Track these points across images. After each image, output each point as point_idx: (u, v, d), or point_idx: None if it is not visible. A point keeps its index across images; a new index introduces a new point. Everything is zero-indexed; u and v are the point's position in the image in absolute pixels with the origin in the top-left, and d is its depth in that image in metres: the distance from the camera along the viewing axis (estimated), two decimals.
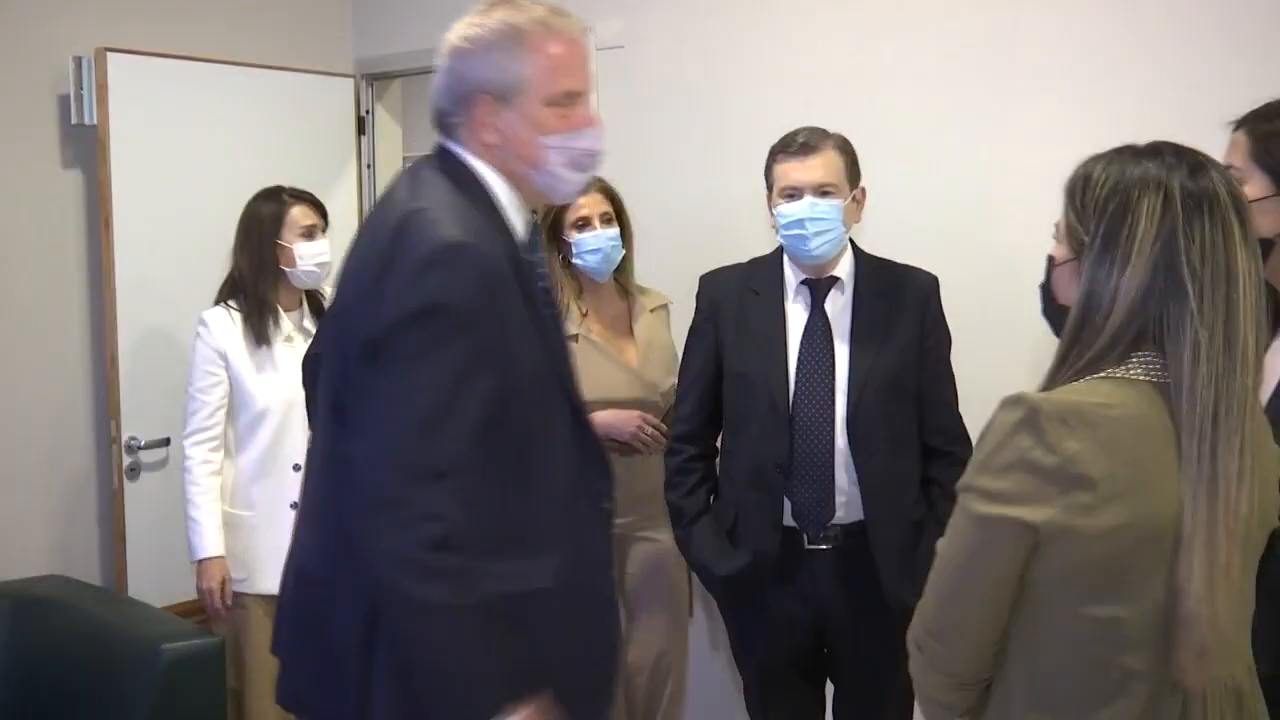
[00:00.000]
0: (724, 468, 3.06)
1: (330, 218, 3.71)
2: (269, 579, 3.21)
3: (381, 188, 4.90)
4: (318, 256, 3.55)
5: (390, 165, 5.01)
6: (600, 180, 3.40)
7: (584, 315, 3.44)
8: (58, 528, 3.96)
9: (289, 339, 3.56)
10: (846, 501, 2.88)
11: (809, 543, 2.91)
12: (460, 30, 2.08)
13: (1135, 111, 3.11)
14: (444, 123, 2.11)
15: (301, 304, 3.65)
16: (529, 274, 2.05)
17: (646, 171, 3.96)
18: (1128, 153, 1.68)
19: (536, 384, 2.02)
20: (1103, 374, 1.63)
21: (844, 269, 2.96)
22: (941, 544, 1.70)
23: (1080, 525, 1.56)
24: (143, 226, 3.96)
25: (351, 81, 4.83)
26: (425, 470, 1.85)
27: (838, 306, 2.94)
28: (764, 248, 3.16)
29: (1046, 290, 1.82)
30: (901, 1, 3.61)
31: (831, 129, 2.97)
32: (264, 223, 3.53)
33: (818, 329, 2.93)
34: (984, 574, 1.64)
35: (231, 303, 3.53)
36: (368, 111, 4.89)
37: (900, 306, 2.92)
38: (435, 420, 1.87)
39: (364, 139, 4.87)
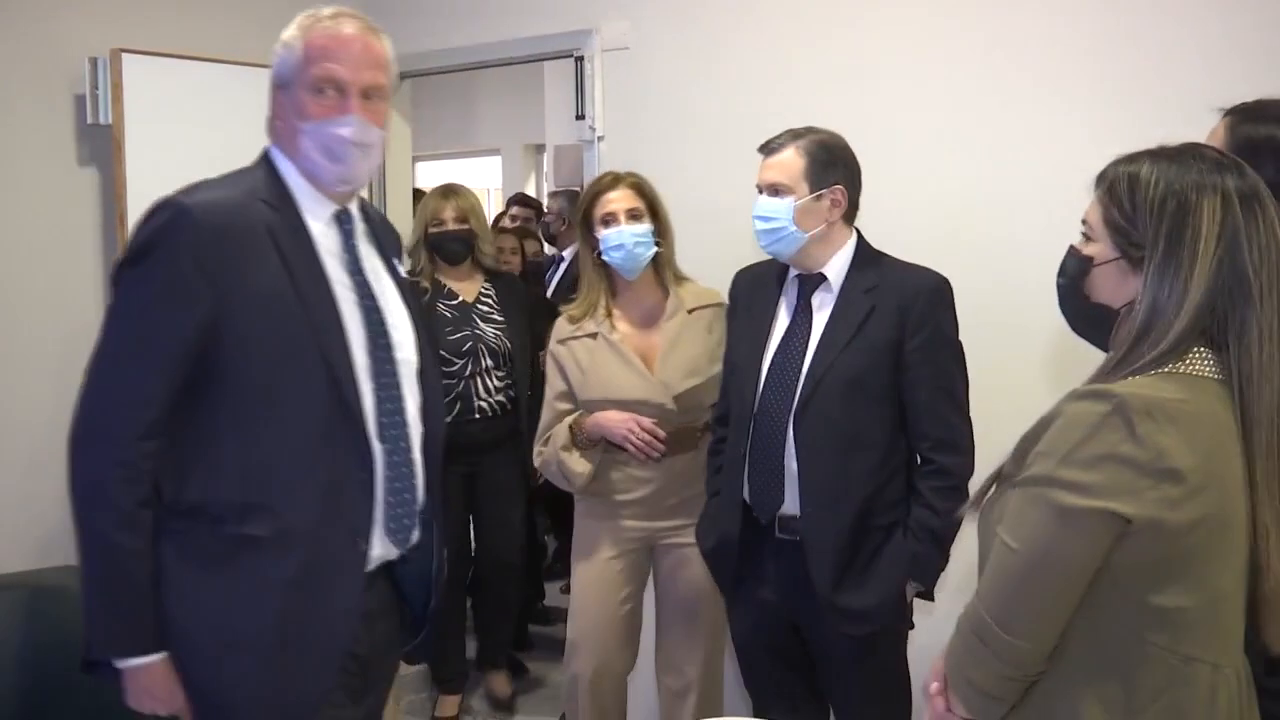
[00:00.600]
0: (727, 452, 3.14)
1: None
2: None
3: (392, 185, 5.00)
4: None
5: (400, 162, 5.09)
6: (632, 175, 3.48)
7: (609, 314, 3.45)
8: (70, 519, 3.99)
9: None
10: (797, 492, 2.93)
11: (778, 531, 2.96)
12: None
13: (1136, 110, 3.15)
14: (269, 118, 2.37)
15: None
16: (301, 245, 2.24)
17: (651, 170, 3.99)
18: (1167, 154, 1.71)
19: (280, 347, 2.18)
20: (1165, 370, 1.66)
21: (834, 267, 2.97)
22: (1010, 536, 1.69)
23: (1168, 518, 1.60)
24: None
25: None
26: (114, 402, 2.10)
27: (822, 303, 2.98)
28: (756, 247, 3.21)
29: (1074, 288, 1.82)
30: (907, 1, 3.65)
31: (835, 128, 3.01)
32: None
33: (798, 324, 2.98)
34: (1064, 567, 1.65)
35: None
36: None
37: (884, 307, 2.89)
38: (121, 355, 2.12)
39: None
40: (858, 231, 3.03)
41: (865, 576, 2.87)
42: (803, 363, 2.92)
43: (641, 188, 3.46)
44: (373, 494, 2.27)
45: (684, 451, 3.37)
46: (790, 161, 2.93)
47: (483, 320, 4.49)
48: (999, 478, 1.79)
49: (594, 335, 3.40)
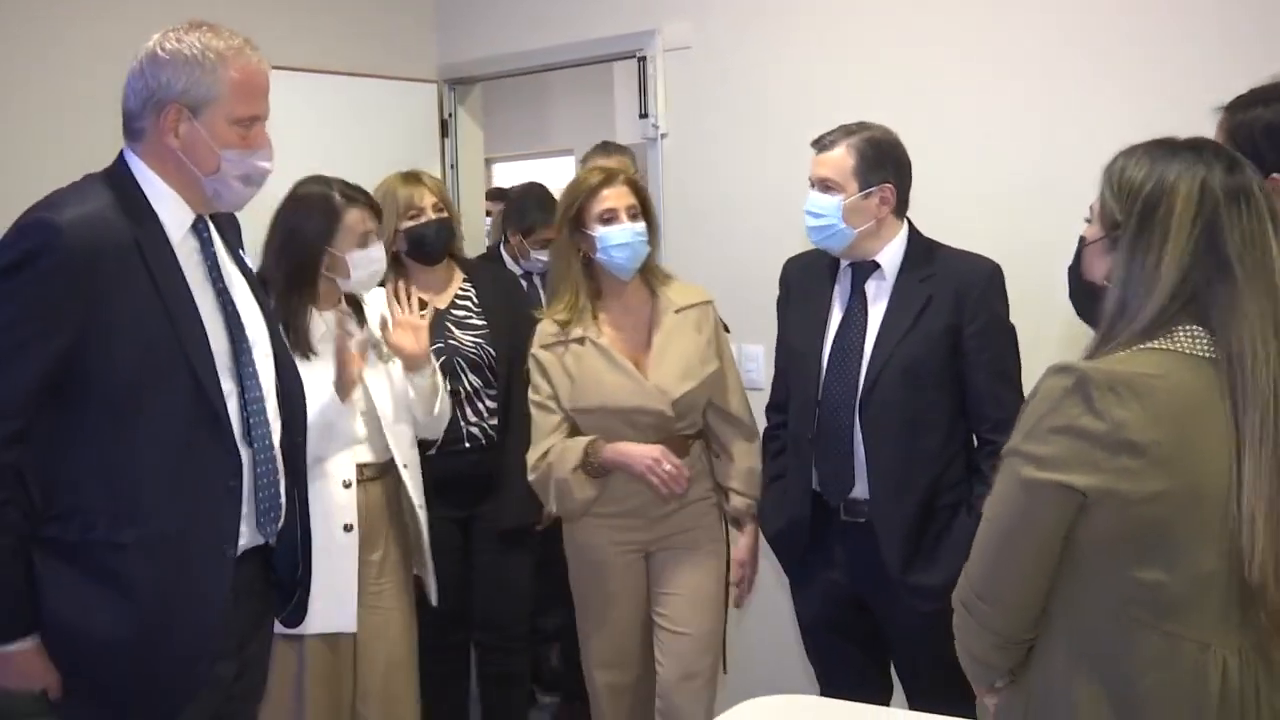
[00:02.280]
0: (784, 437, 3.22)
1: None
2: (321, 615, 2.91)
3: (465, 188, 5.14)
4: (373, 264, 3.19)
5: (473, 165, 5.24)
6: (625, 171, 3.35)
7: (596, 318, 3.25)
8: None
9: (323, 338, 3.14)
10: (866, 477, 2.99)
11: (844, 514, 3.02)
12: (159, 40, 2.33)
13: (1184, 100, 3.18)
14: (130, 126, 2.34)
15: (339, 302, 3.24)
16: (165, 258, 2.27)
17: (712, 168, 4.09)
18: (1167, 143, 1.78)
19: (147, 360, 2.22)
20: (1149, 345, 1.72)
21: (888, 255, 3.01)
22: (987, 508, 1.80)
23: (1125, 489, 1.66)
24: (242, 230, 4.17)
25: (435, 87, 5.04)
26: None
27: (879, 292, 3.03)
28: None
29: (1075, 270, 1.93)
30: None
31: (891, 122, 3.06)
32: (310, 229, 3.14)
33: (854, 312, 3.03)
34: (1030, 537, 1.73)
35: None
36: (450, 115, 5.10)
37: (940, 294, 2.95)
38: None
39: (447, 141, 5.09)
40: (909, 221, 3.07)
41: (934, 555, 2.92)
42: (862, 351, 2.98)
43: (636, 185, 3.29)
44: (240, 501, 2.33)
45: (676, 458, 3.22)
46: (840, 159, 2.96)
47: (458, 327, 3.68)
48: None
49: (581, 340, 3.20)
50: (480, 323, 3.69)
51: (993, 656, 1.84)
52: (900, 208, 3.03)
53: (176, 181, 2.32)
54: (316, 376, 2.97)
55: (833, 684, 3.17)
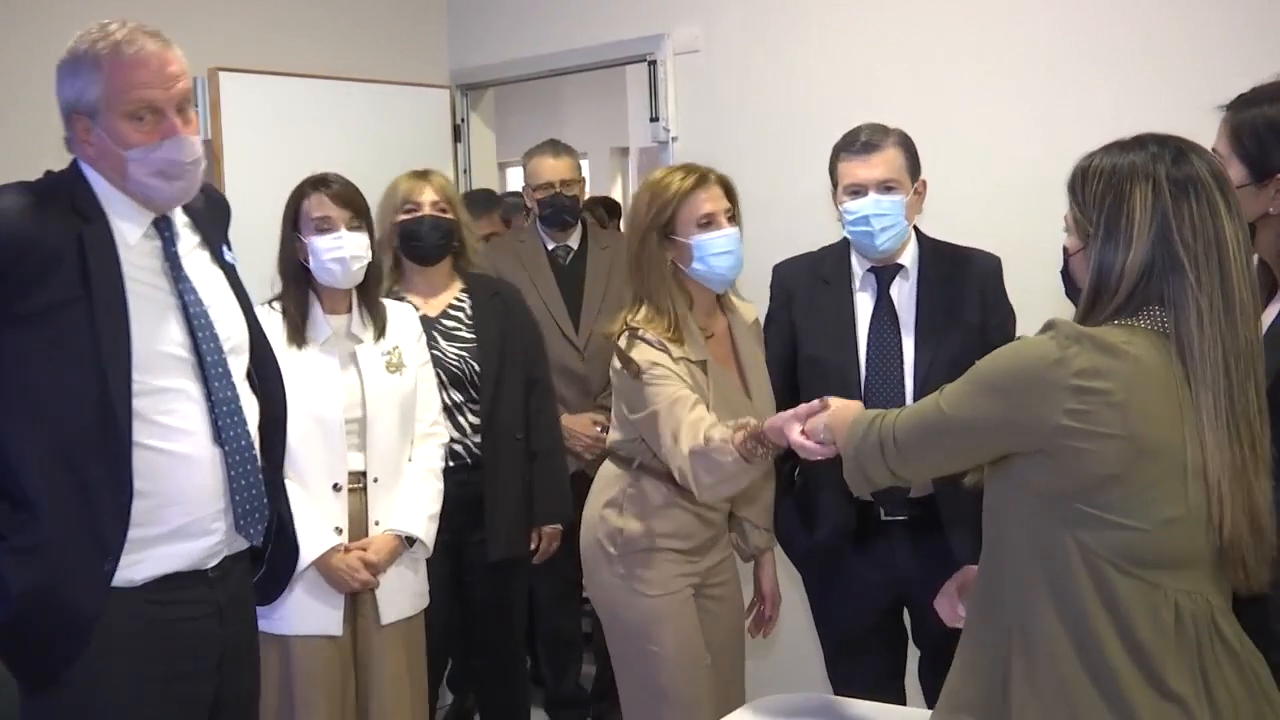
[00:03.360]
0: None
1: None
2: (307, 616, 3.00)
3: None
4: (333, 252, 3.06)
5: (485, 169, 5.28)
6: (718, 173, 3.00)
7: (709, 337, 2.97)
8: None
9: (327, 343, 3.08)
10: None
11: (885, 514, 3.03)
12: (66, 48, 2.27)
13: (1186, 98, 3.19)
14: (67, 135, 2.31)
15: (351, 308, 3.15)
16: (106, 258, 2.20)
17: (724, 171, 4.09)
18: (1116, 147, 1.90)
19: (55, 361, 2.17)
20: (1117, 323, 1.85)
21: (908, 257, 3.06)
22: (945, 399, 1.94)
23: (1081, 427, 1.77)
24: (256, 236, 4.19)
25: (447, 92, 5.09)
26: None
27: (903, 293, 3.05)
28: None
29: (1066, 276, 2.03)
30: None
31: (900, 123, 3.08)
32: (285, 218, 3.17)
33: (884, 315, 3.05)
34: (975, 443, 1.92)
35: (274, 302, 3.13)
36: (463, 119, 5.15)
37: (963, 290, 3.01)
38: None
39: (459, 146, 5.14)
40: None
41: None
42: (901, 354, 3.01)
43: (729, 186, 3.00)
44: (127, 517, 2.20)
45: None
46: (895, 158, 2.98)
47: (444, 338, 3.51)
48: None
49: (704, 364, 2.87)
50: (469, 336, 3.53)
51: (882, 481, 2.07)
52: None
53: (119, 185, 2.28)
54: (310, 369, 3.02)
55: (849, 686, 3.13)
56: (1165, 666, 1.79)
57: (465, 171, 5.14)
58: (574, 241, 4.28)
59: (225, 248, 2.51)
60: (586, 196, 4.61)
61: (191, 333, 2.31)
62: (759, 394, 3.00)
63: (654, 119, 4.46)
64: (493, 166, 5.43)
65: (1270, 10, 3.19)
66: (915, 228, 3.11)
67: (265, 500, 2.41)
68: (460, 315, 3.56)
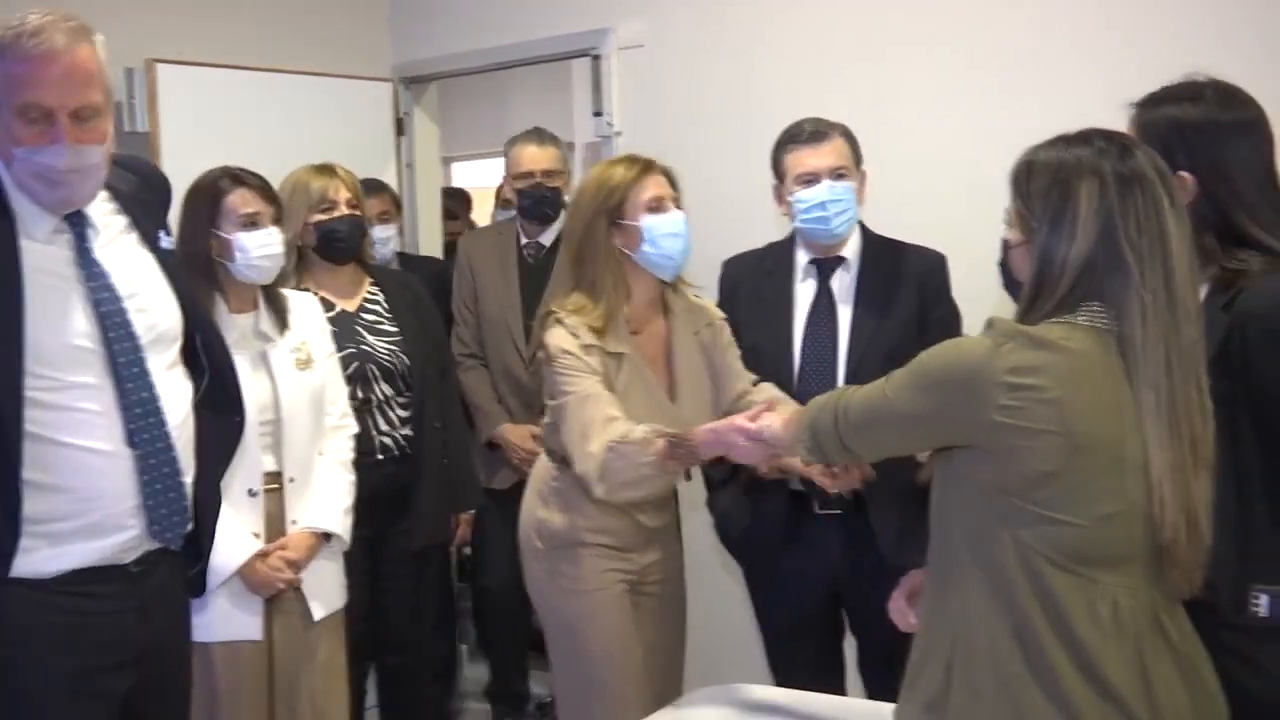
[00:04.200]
0: None
1: None
2: (227, 623, 2.91)
3: (422, 187, 5.14)
4: (263, 248, 2.96)
5: (429, 163, 5.24)
6: (661, 164, 2.99)
7: (635, 333, 2.91)
8: None
9: (235, 345, 2.81)
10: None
11: (819, 508, 3.05)
12: None
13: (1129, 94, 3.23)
14: None
15: (257, 305, 3.04)
16: (5, 254, 2.16)
17: (668, 164, 4.09)
18: (1061, 142, 1.90)
19: None
20: (1056, 320, 1.85)
21: (850, 249, 3.11)
22: (890, 387, 1.96)
23: (1016, 424, 1.78)
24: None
25: (390, 85, 5.04)
26: None
27: (844, 284, 3.10)
28: (784, 235, 3.30)
29: (1006, 269, 2.04)
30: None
31: (844, 119, 3.13)
32: (196, 213, 2.99)
33: (823, 305, 3.09)
34: (917, 433, 1.97)
35: None
36: (406, 113, 5.11)
37: (902, 283, 3.06)
38: None
39: (403, 140, 5.10)
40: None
41: (920, 534, 2.97)
42: (836, 345, 3.05)
43: (670, 175, 2.98)
44: (17, 512, 2.16)
45: None
46: (841, 146, 3.07)
47: (369, 332, 3.48)
48: None
49: (619, 356, 2.83)
50: (393, 329, 3.53)
51: (832, 453, 2.12)
52: None
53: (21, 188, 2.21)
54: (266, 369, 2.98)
55: (788, 676, 3.20)
56: (1104, 663, 1.80)
57: (409, 166, 5.10)
58: (548, 239, 4.13)
59: (163, 233, 2.44)
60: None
61: (103, 328, 2.24)
62: (689, 400, 2.92)
63: (598, 114, 4.45)
64: (436, 161, 5.39)
65: (1195, 13, 3.24)
66: (860, 222, 3.14)
67: (185, 504, 2.35)
68: (378, 309, 3.55)
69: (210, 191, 3.01)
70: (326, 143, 4.54)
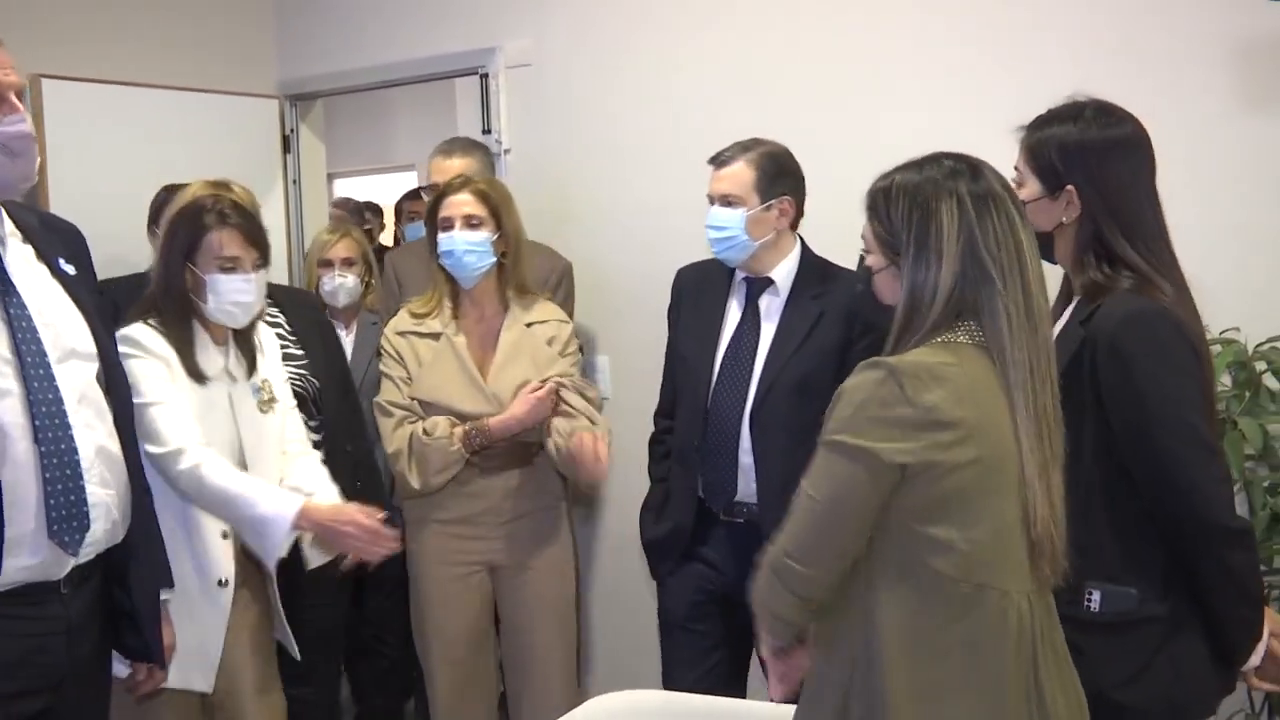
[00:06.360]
0: (670, 442, 3.30)
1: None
2: (176, 670, 2.71)
3: (308, 203, 5.14)
4: (235, 294, 2.85)
5: (315, 180, 5.25)
6: (483, 181, 3.35)
7: (455, 318, 3.32)
8: None
9: (211, 383, 2.85)
10: (750, 483, 3.08)
11: (724, 515, 3.12)
12: None
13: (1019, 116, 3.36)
14: None
15: (227, 340, 2.93)
16: None
17: (555, 183, 4.15)
18: (913, 166, 2.00)
19: None
20: (937, 341, 1.94)
21: (781, 272, 3.13)
22: (810, 487, 1.96)
23: (942, 460, 1.85)
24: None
25: (276, 102, 5.05)
26: None
27: (771, 306, 3.14)
28: (672, 251, 3.39)
29: (867, 293, 2.13)
30: (804, 11, 3.82)
31: (735, 138, 3.15)
32: (176, 241, 2.87)
33: (747, 324, 3.15)
34: (852, 512, 1.91)
35: (152, 320, 2.85)
36: (292, 130, 5.12)
37: (830, 310, 3.06)
38: None
39: (289, 156, 5.10)
40: (802, 240, 3.19)
41: None
42: (753, 365, 3.09)
43: (488, 195, 3.27)
44: None
45: (518, 466, 3.32)
46: (740, 173, 3.07)
47: None
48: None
49: (437, 335, 3.28)
50: (298, 352, 3.49)
51: (794, 615, 2.03)
52: (795, 221, 3.15)
53: None
54: (202, 412, 2.81)
55: (688, 681, 3.21)
56: (1006, 673, 1.90)
57: (295, 182, 5.11)
58: None
59: (61, 259, 2.44)
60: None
61: (12, 335, 2.25)
62: (500, 383, 3.25)
63: (486, 131, 4.49)
64: (322, 178, 5.39)
65: (1084, 34, 3.35)
66: (804, 245, 3.18)
67: (86, 510, 2.29)
68: (281, 329, 3.47)
69: (192, 225, 2.85)
70: (213, 159, 4.52)
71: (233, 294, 2.84)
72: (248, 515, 2.73)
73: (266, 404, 2.97)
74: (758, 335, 3.13)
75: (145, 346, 2.77)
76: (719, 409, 3.12)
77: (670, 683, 3.27)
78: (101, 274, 2.71)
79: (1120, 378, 2.13)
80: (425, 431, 3.20)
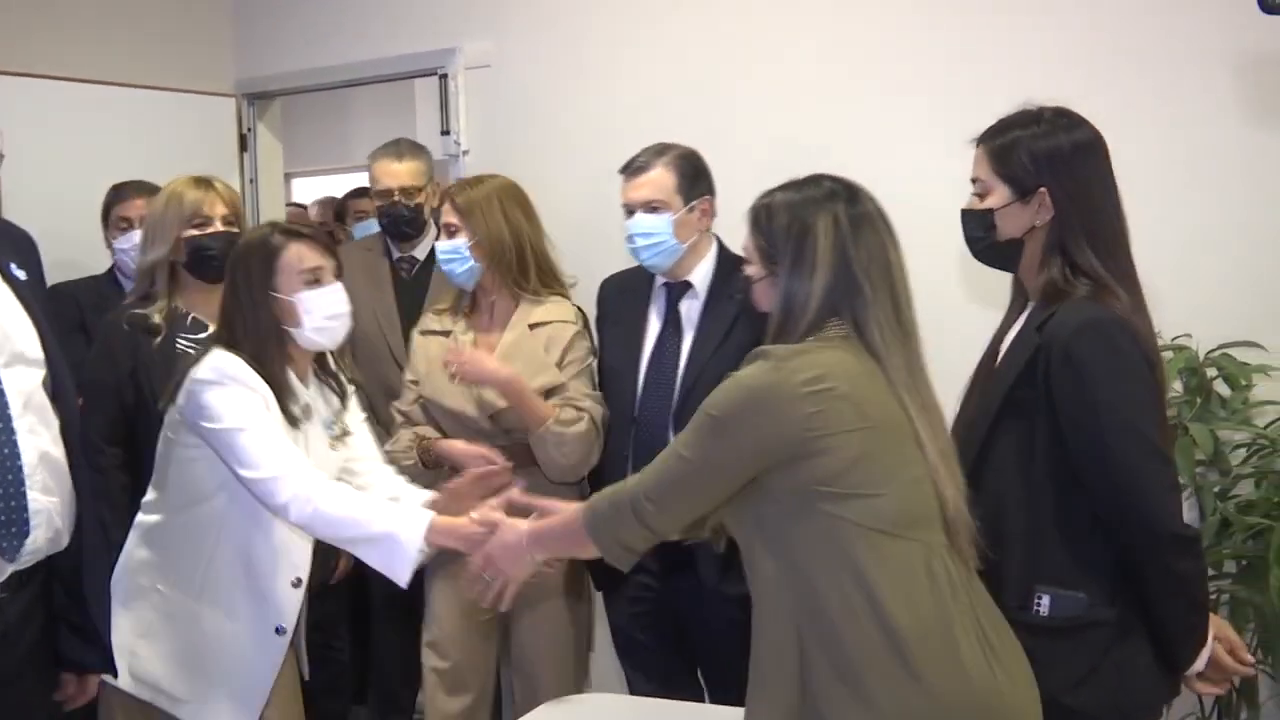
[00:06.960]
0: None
1: None
2: (219, 712, 2.67)
3: (265, 203, 5.11)
4: (332, 306, 2.70)
5: (272, 180, 5.21)
6: (460, 188, 3.36)
7: (468, 315, 3.35)
8: None
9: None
10: None
11: None
12: None
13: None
14: None
15: (307, 375, 2.79)
16: None
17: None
18: (794, 185, 2.16)
19: None
20: (810, 340, 2.05)
21: (699, 274, 3.16)
22: (681, 446, 2.06)
23: (827, 429, 1.96)
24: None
25: (233, 101, 5.02)
26: None
27: (692, 309, 3.16)
28: (621, 256, 3.38)
29: (746, 301, 2.24)
30: (760, 12, 3.86)
31: (689, 139, 3.20)
32: (250, 278, 2.68)
33: (669, 329, 3.17)
34: (720, 481, 2.05)
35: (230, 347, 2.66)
36: (249, 129, 5.08)
37: (749, 309, 3.07)
38: None
39: (246, 155, 5.07)
40: (717, 238, 3.21)
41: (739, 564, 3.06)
42: (677, 367, 3.11)
43: (457, 203, 3.27)
44: None
45: (523, 467, 3.14)
46: (660, 178, 3.10)
47: None
48: None
49: (447, 333, 3.32)
50: None
51: (639, 545, 2.15)
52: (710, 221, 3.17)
53: None
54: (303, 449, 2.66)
55: (644, 685, 3.27)
56: (952, 625, 1.96)
57: (252, 182, 5.07)
58: (420, 252, 3.97)
59: (12, 264, 2.40)
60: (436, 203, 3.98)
61: None
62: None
63: (445, 132, 4.48)
64: (279, 177, 5.37)
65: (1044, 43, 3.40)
66: (720, 243, 3.20)
67: (26, 516, 2.25)
68: None
69: (261, 250, 2.68)
70: (170, 158, 4.50)
71: (327, 307, 2.69)
72: (376, 534, 2.55)
73: (338, 439, 2.82)
74: (680, 340, 3.15)
75: (240, 379, 2.59)
76: (646, 416, 3.14)
77: (633, 692, 3.29)
78: (54, 276, 2.66)
79: (1073, 385, 2.15)
80: (393, 442, 3.27)
